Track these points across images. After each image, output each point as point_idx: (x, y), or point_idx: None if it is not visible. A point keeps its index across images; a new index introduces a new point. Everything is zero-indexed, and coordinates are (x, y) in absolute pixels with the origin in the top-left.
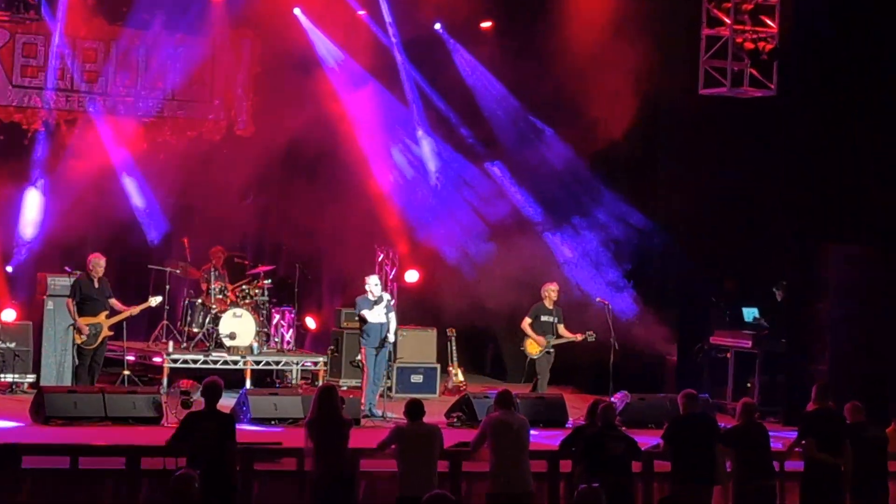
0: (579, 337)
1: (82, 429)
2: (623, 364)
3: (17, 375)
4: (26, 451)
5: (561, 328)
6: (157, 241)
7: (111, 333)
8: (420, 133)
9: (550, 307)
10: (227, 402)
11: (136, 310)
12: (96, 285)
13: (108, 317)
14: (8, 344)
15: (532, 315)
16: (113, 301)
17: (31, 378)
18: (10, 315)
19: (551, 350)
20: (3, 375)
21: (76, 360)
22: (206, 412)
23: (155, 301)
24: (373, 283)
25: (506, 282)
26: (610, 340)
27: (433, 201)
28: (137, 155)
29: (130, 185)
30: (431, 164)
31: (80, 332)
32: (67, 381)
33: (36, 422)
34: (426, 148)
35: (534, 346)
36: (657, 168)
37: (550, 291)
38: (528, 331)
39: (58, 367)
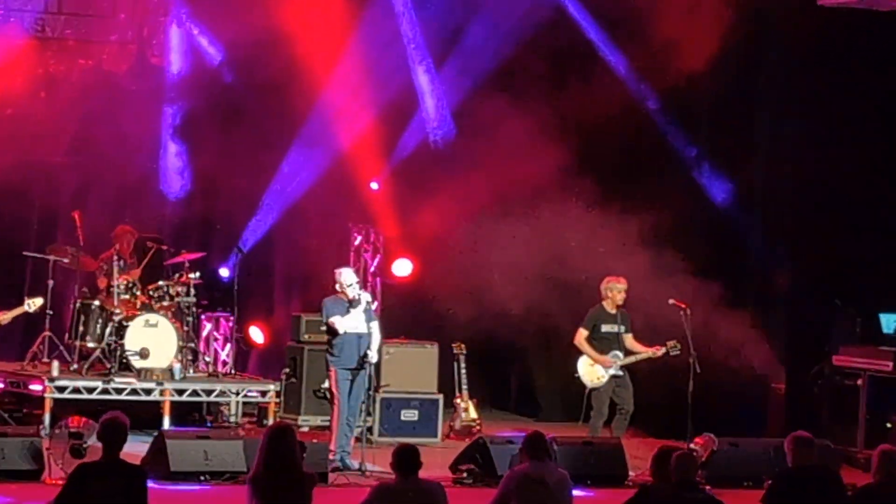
0: (658, 351)
1: None
2: (707, 395)
3: None
4: None
5: (629, 340)
6: (36, 217)
7: None
8: (415, 59)
9: (614, 312)
10: (135, 448)
11: (8, 316)
12: None
13: None
14: None
15: (589, 324)
16: None
17: None
18: None
19: (620, 373)
20: None
21: None
22: (106, 464)
23: (33, 305)
24: (347, 279)
25: (536, 277)
26: (688, 361)
27: (432, 160)
28: (6, 93)
29: None
30: (430, 106)
31: None
32: None
33: None
34: (423, 81)
35: (594, 371)
36: (755, 115)
37: (615, 290)
38: (586, 347)
39: None
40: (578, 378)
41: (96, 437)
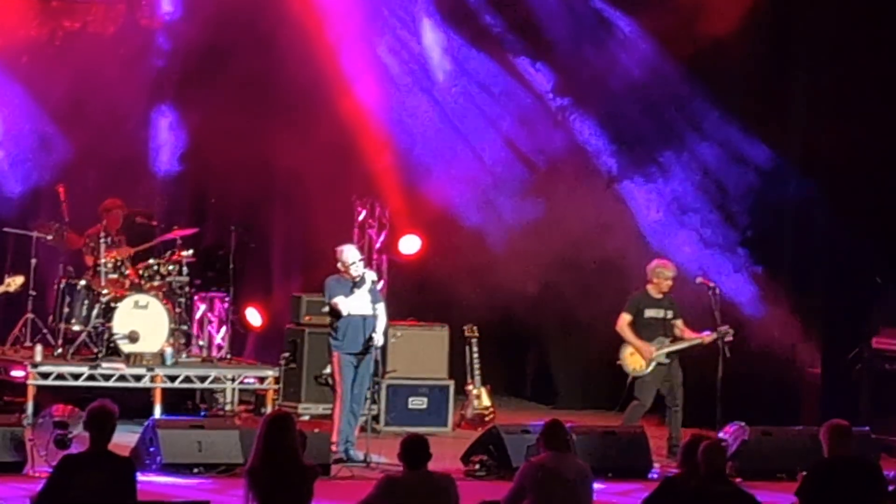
0: (708, 337)
1: None
2: (737, 381)
3: None
4: None
5: (679, 326)
6: (18, 191)
7: None
8: (423, 20)
9: (659, 297)
10: (125, 439)
11: None
12: None
13: None
14: None
15: (632, 309)
16: None
17: None
18: None
19: (666, 361)
20: None
21: None
22: (93, 455)
23: (13, 284)
24: (349, 257)
25: (556, 254)
26: (717, 344)
27: (442, 128)
28: None
29: None
30: (439, 70)
31: None
32: None
33: None
34: (432, 43)
35: (637, 358)
36: (792, 76)
37: (661, 276)
38: (627, 333)
39: None
40: (621, 364)
41: (83, 426)
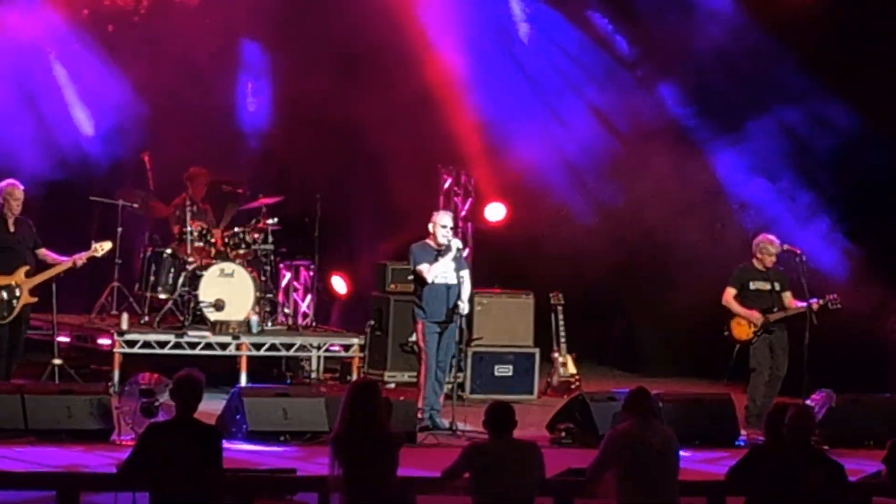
0: (815, 305)
1: None
2: (824, 347)
3: None
4: None
5: (788, 298)
6: (105, 160)
7: (34, 300)
8: None
9: (764, 270)
10: (211, 407)
11: (66, 264)
12: (11, 228)
13: (29, 275)
14: None
15: (737, 282)
16: (43, 252)
17: None
18: None
19: (773, 329)
20: None
21: None
22: (179, 423)
23: (100, 249)
24: (441, 223)
25: (643, 221)
26: (806, 312)
27: (527, 95)
28: (73, 27)
29: (62, 76)
30: (524, 35)
31: None
32: None
33: None
34: (516, 7)
35: (744, 328)
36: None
37: (766, 251)
38: (734, 305)
39: None
40: (728, 335)
41: (169, 394)
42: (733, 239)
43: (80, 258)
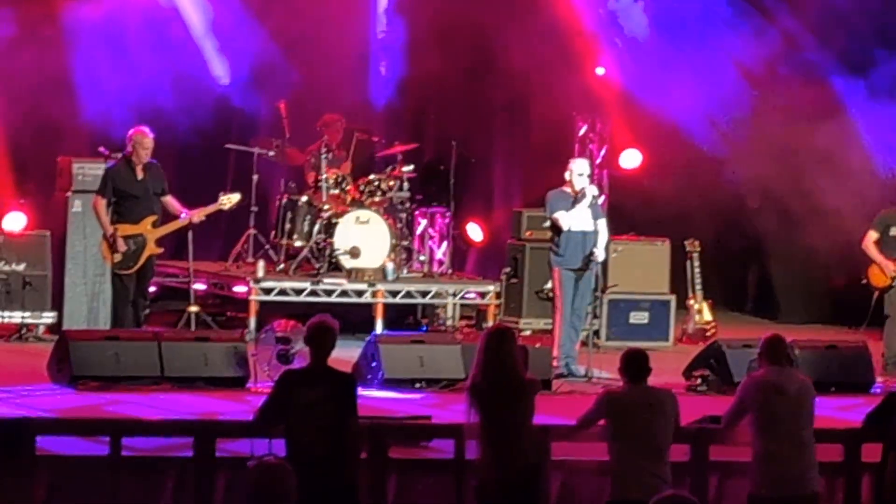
0: None
1: (127, 394)
2: None
3: (28, 314)
4: (43, 429)
5: None
6: (240, 106)
7: (160, 251)
8: None
9: None
10: (347, 354)
11: (201, 214)
12: (140, 176)
13: (156, 225)
14: (15, 266)
15: (879, 226)
16: (168, 200)
17: (49, 318)
18: (17, 222)
19: None
20: (8, 314)
21: (115, 292)
22: (314, 370)
23: (228, 202)
24: (578, 170)
25: (780, 168)
26: None
27: (657, 41)
28: None
29: (195, 19)
30: None
31: (112, 246)
32: (105, 322)
33: (57, 383)
34: None
35: (881, 275)
36: None
37: None
38: (872, 250)
39: (90, 302)
40: (866, 283)
41: (304, 341)
42: (866, 189)
43: (197, 214)
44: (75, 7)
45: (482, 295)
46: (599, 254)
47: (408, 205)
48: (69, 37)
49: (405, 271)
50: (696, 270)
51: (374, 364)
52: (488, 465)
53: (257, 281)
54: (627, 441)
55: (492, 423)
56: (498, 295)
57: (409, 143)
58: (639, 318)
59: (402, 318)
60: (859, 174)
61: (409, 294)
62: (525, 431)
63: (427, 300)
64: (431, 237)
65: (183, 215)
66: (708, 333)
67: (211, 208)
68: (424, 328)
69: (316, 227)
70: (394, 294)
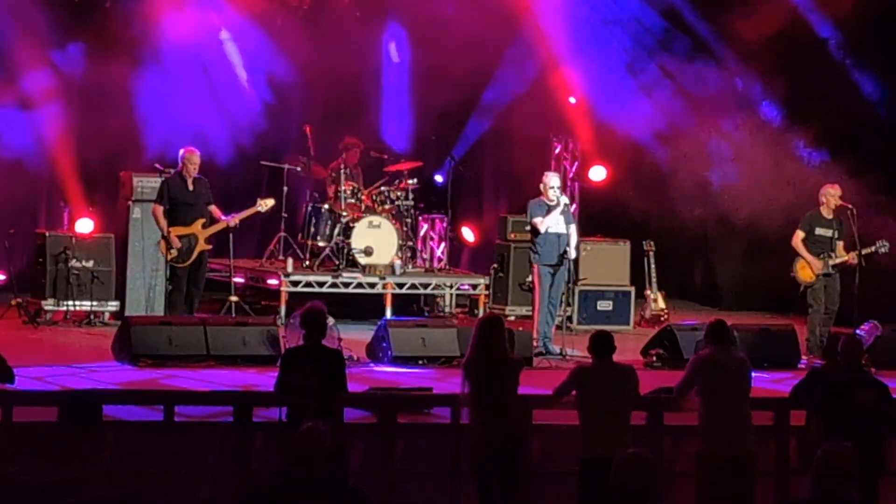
0: (865, 251)
1: (179, 370)
2: (873, 284)
3: (96, 303)
4: (108, 399)
5: (840, 247)
6: (272, 129)
7: (209, 247)
8: None
9: (829, 217)
10: (362, 336)
11: (236, 219)
12: (190, 187)
13: (205, 226)
14: (84, 263)
15: (805, 226)
16: (212, 208)
17: (113, 306)
18: (86, 226)
19: (831, 273)
20: (78, 303)
21: (170, 284)
22: (308, 349)
23: (264, 205)
24: (551, 184)
25: (720, 177)
26: (857, 256)
27: (620, 71)
28: (246, 14)
29: (235, 56)
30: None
31: (168, 244)
32: (159, 309)
33: (120, 361)
34: None
35: (807, 271)
36: None
37: (829, 195)
38: (801, 249)
39: (147, 292)
40: (794, 276)
41: (299, 325)
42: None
43: (234, 219)
44: (138, 45)
45: (474, 287)
46: (571, 252)
47: (412, 211)
48: (133, 69)
49: (410, 267)
50: (652, 266)
51: (384, 344)
52: (479, 429)
53: (287, 275)
54: (595, 408)
55: (482, 394)
56: (487, 287)
57: (413, 161)
58: (604, 305)
59: (408, 305)
60: (790, 184)
61: (413, 286)
62: (511, 402)
63: (428, 291)
64: (432, 239)
65: (225, 217)
66: (662, 319)
67: (250, 211)
68: (426, 314)
69: (336, 230)
70: (400, 286)
